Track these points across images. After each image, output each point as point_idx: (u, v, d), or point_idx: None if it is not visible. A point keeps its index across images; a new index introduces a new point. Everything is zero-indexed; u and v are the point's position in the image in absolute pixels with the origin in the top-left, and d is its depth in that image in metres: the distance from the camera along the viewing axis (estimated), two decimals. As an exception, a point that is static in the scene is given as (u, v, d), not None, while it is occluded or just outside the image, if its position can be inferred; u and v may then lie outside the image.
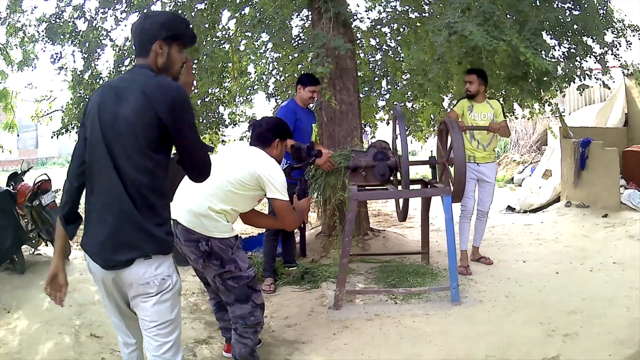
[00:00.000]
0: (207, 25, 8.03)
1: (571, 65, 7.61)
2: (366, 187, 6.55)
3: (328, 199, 6.49)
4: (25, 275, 7.57)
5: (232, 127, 11.30)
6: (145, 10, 7.94)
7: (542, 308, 5.63)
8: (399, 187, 6.15)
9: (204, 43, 7.82)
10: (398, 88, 9.54)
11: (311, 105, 7.17)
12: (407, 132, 11.25)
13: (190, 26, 3.18)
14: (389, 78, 9.53)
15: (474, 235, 7.55)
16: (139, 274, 2.88)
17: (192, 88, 4.98)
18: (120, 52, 8.83)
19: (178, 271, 3.13)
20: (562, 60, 7.81)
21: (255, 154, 4.46)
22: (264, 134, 4.58)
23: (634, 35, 8.45)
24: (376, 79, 9.28)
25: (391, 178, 6.32)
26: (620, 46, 8.21)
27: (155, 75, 2.95)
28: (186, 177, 3.21)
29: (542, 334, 5.01)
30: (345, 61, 8.01)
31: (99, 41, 8.51)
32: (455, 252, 5.81)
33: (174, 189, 4.24)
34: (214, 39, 8.26)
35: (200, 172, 3.11)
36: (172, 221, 3.73)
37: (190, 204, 4.15)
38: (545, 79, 7.54)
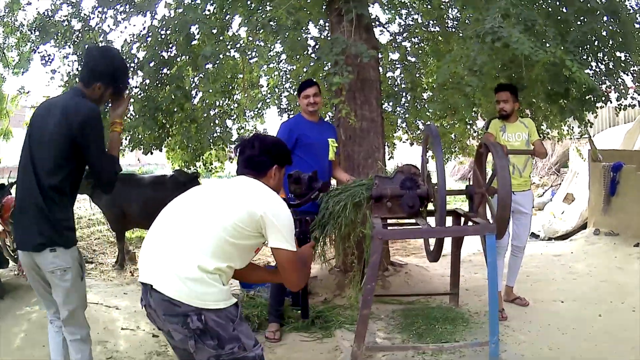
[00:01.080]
0: (214, 31, 7.17)
1: (616, 82, 7.02)
2: (390, 220, 5.75)
3: (346, 235, 5.61)
4: (3, 301, 6.80)
5: None
6: (147, 12, 7.45)
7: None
8: (430, 222, 5.38)
9: (210, 50, 6.83)
10: (418, 106, 8.79)
11: (328, 116, 6.31)
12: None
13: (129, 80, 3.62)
14: (409, 94, 8.70)
15: (507, 273, 6.71)
16: (46, 262, 3.72)
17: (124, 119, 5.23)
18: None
19: (82, 261, 3.98)
20: (604, 76, 7.17)
21: (253, 186, 3.45)
22: (258, 159, 3.60)
23: None
24: (401, 92, 8.44)
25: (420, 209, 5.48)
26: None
27: (80, 98, 3.68)
28: (160, 222, 3.37)
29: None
30: (368, 71, 7.21)
31: (95, 43, 7.75)
32: (497, 301, 5.04)
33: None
34: (221, 46, 7.31)
35: (103, 181, 3.93)
36: (142, 285, 3.20)
37: (172, 263, 3.10)
38: (588, 97, 7.01)
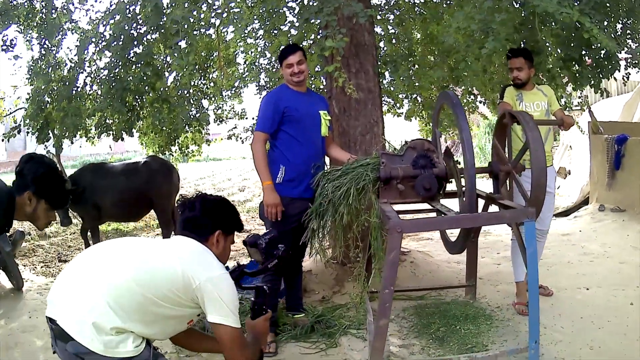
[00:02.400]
0: (186, 5, 6.36)
1: (636, 46, 6.48)
2: (396, 207, 4.81)
3: (348, 225, 4.82)
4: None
5: (218, 124, 10.25)
6: None
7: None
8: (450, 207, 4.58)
9: (185, 26, 6.24)
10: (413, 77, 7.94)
11: (322, 88, 5.51)
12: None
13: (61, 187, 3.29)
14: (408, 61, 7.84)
15: None
16: None
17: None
18: (85, 36, 7.39)
19: None
20: (623, 40, 6.60)
21: (192, 249, 3.03)
22: (198, 221, 3.17)
23: None
24: (400, 58, 7.51)
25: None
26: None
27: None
28: (78, 267, 2.95)
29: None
30: (362, 35, 6.39)
31: (59, 23, 7.32)
32: (537, 299, 4.20)
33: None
34: (193, 14, 6.60)
35: None
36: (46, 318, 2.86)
37: (80, 307, 2.74)
38: (606, 62, 6.46)
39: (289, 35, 7.24)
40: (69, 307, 2.74)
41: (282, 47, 5.81)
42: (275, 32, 7.59)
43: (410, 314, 5.53)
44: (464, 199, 4.26)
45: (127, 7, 6.79)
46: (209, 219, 3.15)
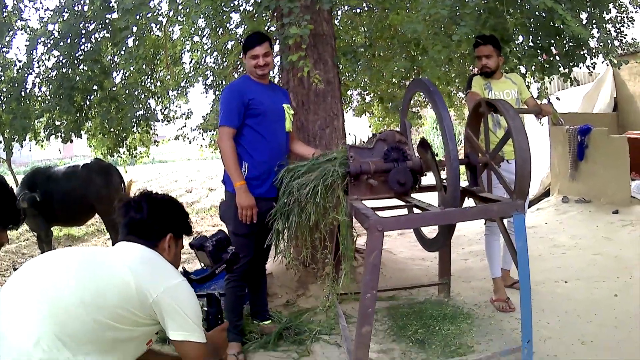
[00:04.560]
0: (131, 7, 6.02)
1: (605, 35, 6.56)
2: (374, 202, 4.58)
3: (314, 226, 4.50)
4: None
5: (166, 124, 10.01)
6: None
7: (634, 354, 4.19)
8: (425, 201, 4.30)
9: (136, 17, 5.96)
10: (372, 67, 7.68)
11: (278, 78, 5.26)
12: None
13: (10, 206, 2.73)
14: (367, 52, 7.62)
15: (503, 255, 5.74)
16: None
17: None
18: (34, 36, 7.15)
19: None
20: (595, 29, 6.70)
21: (143, 257, 2.68)
22: (147, 224, 2.82)
23: (636, 12, 7.46)
24: (360, 49, 7.22)
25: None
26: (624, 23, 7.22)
27: None
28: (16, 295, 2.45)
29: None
30: (320, 25, 6.07)
31: (9, 22, 7.06)
32: (529, 296, 3.93)
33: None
34: (143, 17, 6.34)
35: None
36: None
37: (24, 341, 2.29)
38: (577, 51, 6.51)
39: (236, 34, 7.26)
40: (10, 340, 2.29)
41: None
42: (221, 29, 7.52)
43: (383, 315, 5.26)
44: (448, 192, 3.96)
45: (75, 3, 6.64)
46: (158, 221, 2.83)
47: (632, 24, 7.23)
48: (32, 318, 2.31)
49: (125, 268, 2.52)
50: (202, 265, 3.33)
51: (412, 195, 4.48)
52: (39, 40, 6.88)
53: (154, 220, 2.81)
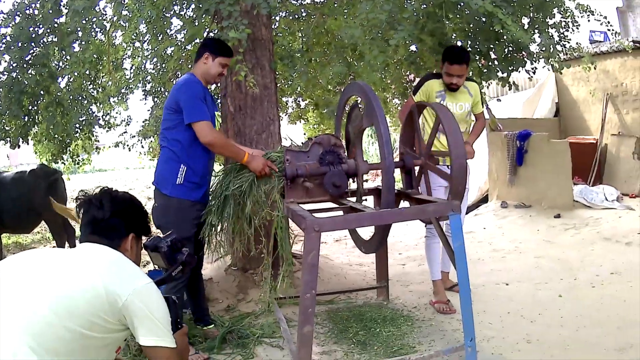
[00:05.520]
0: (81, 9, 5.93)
1: (548, 39, 6.43)
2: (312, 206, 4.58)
3: (249, 220, 4.47)
4: None
5: (107, 131, 9.73)
6: None
7: (582, 351, 4.24)
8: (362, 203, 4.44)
9: (83, 21, 5.98)
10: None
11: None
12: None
13: None
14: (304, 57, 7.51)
15: (443, 258, 5.72)
16: None
17: None
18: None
19: None
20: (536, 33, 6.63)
21: (110, 259, 2.51)
22: (109, 222, 2.64)
23: (582, 17, 7.32)
24: (297, 54, 7.15)
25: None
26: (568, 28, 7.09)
27: None
28: None
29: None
30: (259, 30, 6.06)
31: None
32: (469, 295, 3.93)
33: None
34: (88, 25, 6.33)
35: None
36: None
37: None
38: (516, 55, 6.53)
39: (176, 40, 7.21)
40: None
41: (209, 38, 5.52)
42: (160, 35, 7.45)
43: (323, 319, 5.24)
44: (382, 195, 3.96)
45: (28, 7, 6.52)
46: (121, 219, 2.67)
47: (578, 29, 7.20)
48: (6, 329, 2.17)
49: (94, 272, 2.36)
50: (156, 266, 3.15)
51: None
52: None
53: (116, 219, 2.65)
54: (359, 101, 4.64)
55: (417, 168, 4.78)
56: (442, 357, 4.07)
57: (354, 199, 4.63)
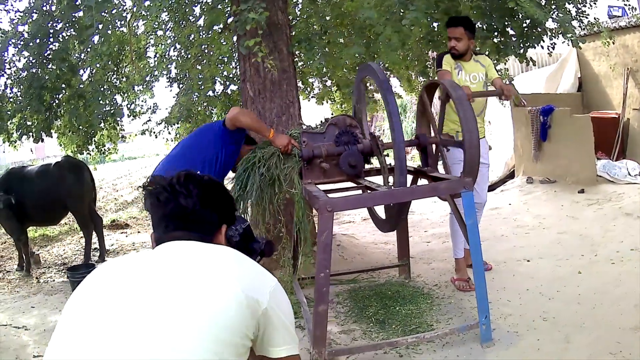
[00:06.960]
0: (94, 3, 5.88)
1: (565, 15, 6.29)
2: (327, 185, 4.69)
3: (268, 203, 4.51)
4: None
5: (132, 120, 9.82)
6: None
7: (597, 329, 4.15)
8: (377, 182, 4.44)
9: (101, 13, 5.88)
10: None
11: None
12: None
13: None
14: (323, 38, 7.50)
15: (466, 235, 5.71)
16: None
17: None
18: (5, 37, 7.03)
19: None
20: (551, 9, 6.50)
21: (239, 259, 1.91)
22: (201, 213, 2.04)
23: None
24: (314, 36, 7.13)
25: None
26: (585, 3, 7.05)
27: None
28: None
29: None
30: (275, 14, 6.11)
31: None
32: (483, 272, 3.99)
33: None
34: (106, 18, 6.24)
35: None
36: None
37: None
38: (533, 31, 6.57)
39: (197, 27, 7.25)
40: None
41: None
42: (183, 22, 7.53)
43: (344, 298, 5.29)
44: (395, 173, 4.00)
45: (44, 3, 6.64)
46: (213, 209, 2.08)
47: (595, 4, 7.13)
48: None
49: (232, 279, 1.78)
50: None
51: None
52: (10, 42, 6.84)
53: (208, 209, 2.07)
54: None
55: (433, 147, 4.79)
56: (456, 335, 4.10)
57: (379, 177, 4.67)
